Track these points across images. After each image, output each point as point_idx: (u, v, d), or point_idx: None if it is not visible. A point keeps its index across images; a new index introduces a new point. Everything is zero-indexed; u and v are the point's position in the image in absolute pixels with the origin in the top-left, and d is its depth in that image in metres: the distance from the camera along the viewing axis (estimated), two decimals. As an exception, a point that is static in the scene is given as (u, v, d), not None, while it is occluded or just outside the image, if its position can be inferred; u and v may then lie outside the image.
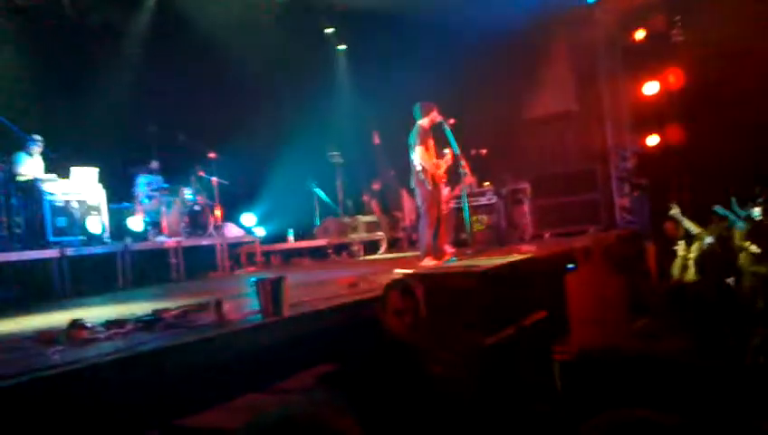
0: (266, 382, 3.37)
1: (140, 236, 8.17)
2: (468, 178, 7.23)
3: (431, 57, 9.97)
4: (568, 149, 11.18)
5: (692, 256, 5.25)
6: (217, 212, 9.14)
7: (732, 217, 6.19)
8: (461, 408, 3.18)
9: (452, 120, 6.62)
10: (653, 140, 10.47)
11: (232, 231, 9.48)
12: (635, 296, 3.92)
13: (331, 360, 3.56)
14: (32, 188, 7.32)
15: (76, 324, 3.42)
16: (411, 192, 7.46)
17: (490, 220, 9.23)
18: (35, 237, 7.05)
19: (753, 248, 5.10)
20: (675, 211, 7.16)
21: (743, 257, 4.90)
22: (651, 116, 10.32)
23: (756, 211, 6.17)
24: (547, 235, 9.89)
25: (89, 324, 3.48)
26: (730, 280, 3.33)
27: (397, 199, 11.62)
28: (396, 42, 10.54)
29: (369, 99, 11.84)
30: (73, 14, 8.47)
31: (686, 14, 9.82)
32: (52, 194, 7.18)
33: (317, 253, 10.00)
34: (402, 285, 3.07)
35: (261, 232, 10.14)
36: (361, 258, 9.68)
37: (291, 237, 10.30)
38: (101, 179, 7.78)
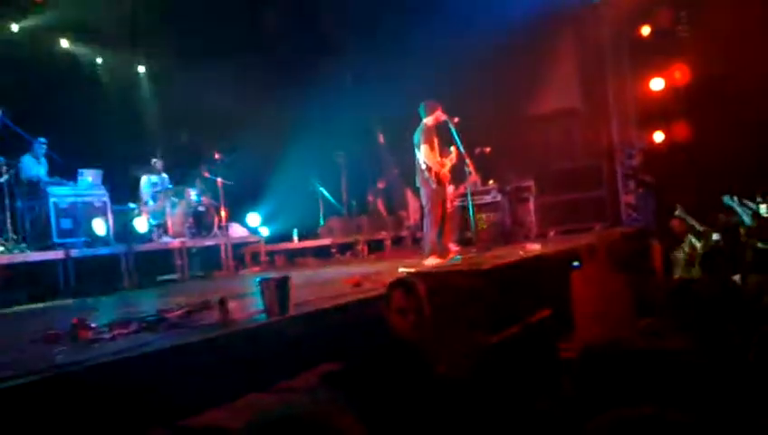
0: (270, 382, 3.37)
1: (145, 237, 8.19)
2: (473, 177, 7.21)
3: (436, 55, 9.94)
4: (573, 147, 11.12)
5: (698, 253, 5.22)
6: (222, 212, 9.15)
7: (738, 213, 6.15)
8: (465, 407, 3.17)
9: (456, 119, 6.61)
10: (659, 137, 10.42)
11: (236, 231, 9.49)
12: (640, 294, 3.90)
13: (334, 359, 3.55)
14: (37, 189, 7.35)
15: (80, 325, 3.42)
16: (416, 191, 7.44)
17: (494, 217, 9.20)
18: (40, 239, 7.08)
19: (761, 245, 5.06)
20: (680, 212, 7.13)
21: (749, 254, 4.87)
22: (657, 112, 10.26)
23: (763, 208, 6.13)
24: (552, 232, 9.85)
25: (93, 325, 3.49)
26: (736, 277, 3.31)
27: (401, 198, 11.61)
28: (400, 39, 10.52)
29: (373, 98, 11.84)
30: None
31: (692, 9, 9.76)
32: (57, 196, 7.20)
33: (321, 252, 10.00)
34: (405, 283, 3.06)
35: (265, 232, 10.15)
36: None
37: (295, 237, 10.30)
38: (106, 181, 7.80)
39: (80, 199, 7.39)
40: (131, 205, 8.51)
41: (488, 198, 9.23)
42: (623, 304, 4.47)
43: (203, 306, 4.01)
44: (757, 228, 5.37)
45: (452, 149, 6.59)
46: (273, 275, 3.86)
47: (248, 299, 4.33)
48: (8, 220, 6.97)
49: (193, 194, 8.97)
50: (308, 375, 3.40)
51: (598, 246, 6.83)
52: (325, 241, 10.18)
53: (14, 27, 8.49)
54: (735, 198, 6.19)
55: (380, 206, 11.59)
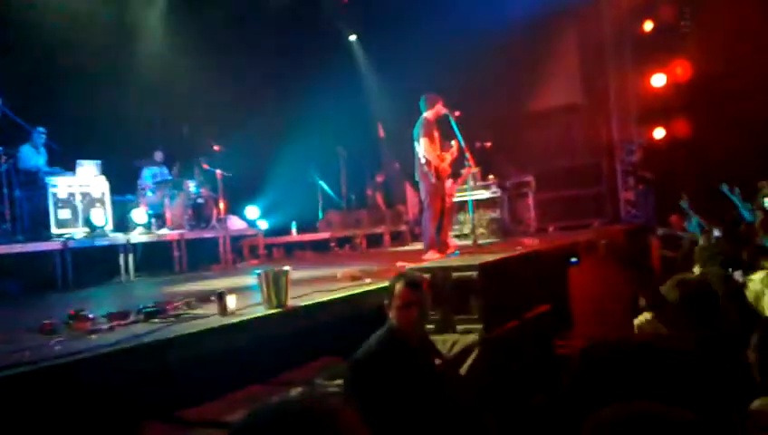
0: (268, 374, 3.37)
1: (144, 229, 8.17)
2: (468, 169, 7.18)
3: (437, 49, 9.91)
4: (573, 143, 11.11)
5: (697, 249, 5.21)
6: (221, 205, 9.13)
7: (737, 205, 6.13)
8: (464, 401, 3.17)
9: (457, 113, 6.58)
10: (659, 133, 10.40)
11: (235, 224, 9.47)
12: (638, 290, 3.89)
13: (333, 352, 3.55)
14: (35, 180, 7.33)
15: (78, 316, 3.42)
16: (415, 185, 7.42)
17: (493, 212, 9.20)
18: (38, 230, 7.06)
19: None
20: (685, 205, 7.12)
21: (750, 251, 4.84)
22: (658, 108, 10.25)
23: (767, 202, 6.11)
24: (551, 228, 9.86)
25: (91, 316, 3.48)
26: (737, 273, 3.30)
27: (400, 192, 11.60)
28: (402, 34, 10.48)
29: (373, 91, 11.81)
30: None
31: (695, 5, 9.73)
32: (55, 186, 7.18)
33: (320, 246, 9.99)
34: (408, 278, 3.05)
35: (264, 225, 10.13)
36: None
37: (294, 230, 10.29)
38: (105, 172, 7.77)
39: (78, 190, 7.37)
40: (130, 196, 8.49)
41: (488, 193, 9.22)
42: (621, 300, 4.47)
43: (201, 298, 4.00)
44: (762, 222, 5.33)
45: (453, 143, 6.56)
46: (271, 267, 3.84)
47: (246, 291, 4.33)
48: (6, 210, 6.95)
49: (192, 186, 8.95)
50: (307, 368, 3.41)
51: (597, 242, 6.83)
52: (324, 235, 10.16)
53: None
54: (737, 191, 6.17)
55: (379, 200, 11.58)
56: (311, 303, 3.78)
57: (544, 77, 10.99)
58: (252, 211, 10.26)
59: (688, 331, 2.47)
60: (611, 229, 9.03)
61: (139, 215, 8.10)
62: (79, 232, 7.22)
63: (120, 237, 7.45)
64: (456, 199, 8.23)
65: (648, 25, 10.27)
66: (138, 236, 7.73)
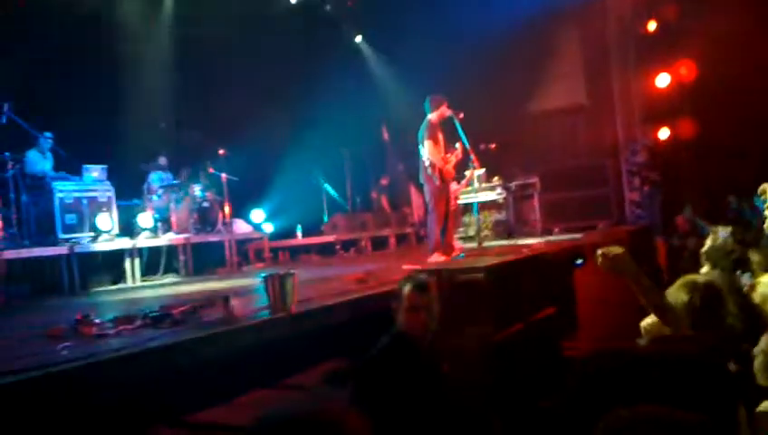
0: (275, 378, 3.37)
1: (150, 233, 8.20)
2: (473, 171, 7.17)
3: (441, 51, 9.91)
4: (578, 143, 11.08)
5: (704, 250, 5.19)
6: (226, 208, 9.16)
7: (746, 210, 6.11)
8: (471, 404, 3.16)
9: (462, 115, 6.57)
10: (664, 134, 10.36)
11: (240, 227, 9.49)
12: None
13: (340, 356, 3.55)
14: (42, 185, 7.36)
15: (85, 320, 3.43)
16: (420, 187, 7.42)
17: (498, 214, 9.19)
18: (45, 234, 7.10)
19: None
20: (688, 214, 7.10)
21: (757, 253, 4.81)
22: (663, 109, 10.20)
23: None
24: (556, 229, 9.82)
25: (97, 320, 3.49)
26: (744, 276, 3.28)
27: (405, 195, 11.60)
28: (405, 36, 10.49)
29: (378, 94, 11.80)
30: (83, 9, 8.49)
31: (699, 4, 9.69)
32: (62, 191, 7.22)
33: (325, 249, 10.00)
34: (417, 280, 3.04)
35: (269, 228, 10.15)
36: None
37: (299, 234, 10.30)
38: (111, 177, 7.81)
39: (85, 195, 7.41)
40: (136, 200, 8.52)
41: (493, 195, 9.21)
42: (627, 302, 4.45)
43: (207, 302, 4.01)
44: None
45: (457, 145, 6.55)
46: (277, 271, 3.85)
47: (252, 295, 4.33)
48: (13, 215, 6.99)
49: (197, 190, 8.98)
50: (314, 372, 3.41)
51: (602, 243, 6.80)
52: (329, 238, 10.17)
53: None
54: (745, 205, 6.14)
55: (384, 202, 11.59)
56: (317, 306, 3.79)
57: (548, 78, 10.97)
58: (257, 215, 10.29)
59: (694, 332, 2.47)
60: (617, 231, 8.98)
61: (145, 219, 8.13)
62: (85, 236, 7.26)
63: (126, 242, 7.49)
64: (460, 201, 8.23)
65: (652, 25, 10.23)
66: (144, 241, 7.76)
